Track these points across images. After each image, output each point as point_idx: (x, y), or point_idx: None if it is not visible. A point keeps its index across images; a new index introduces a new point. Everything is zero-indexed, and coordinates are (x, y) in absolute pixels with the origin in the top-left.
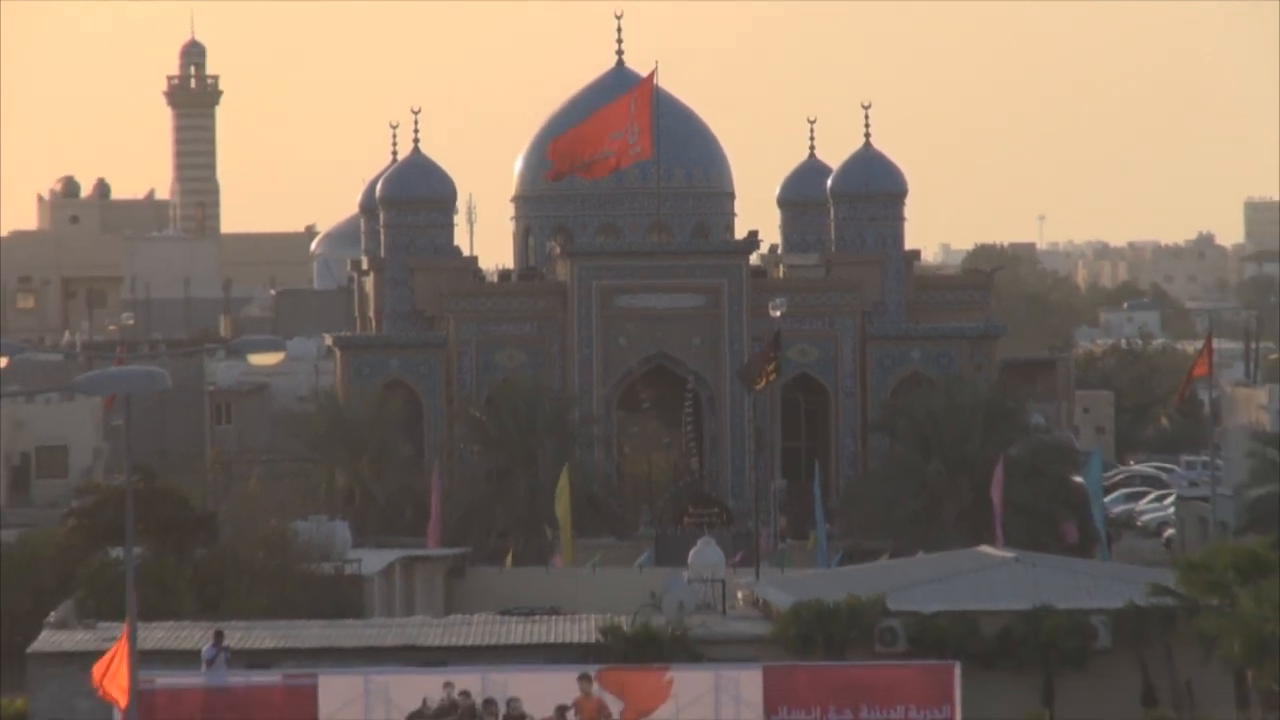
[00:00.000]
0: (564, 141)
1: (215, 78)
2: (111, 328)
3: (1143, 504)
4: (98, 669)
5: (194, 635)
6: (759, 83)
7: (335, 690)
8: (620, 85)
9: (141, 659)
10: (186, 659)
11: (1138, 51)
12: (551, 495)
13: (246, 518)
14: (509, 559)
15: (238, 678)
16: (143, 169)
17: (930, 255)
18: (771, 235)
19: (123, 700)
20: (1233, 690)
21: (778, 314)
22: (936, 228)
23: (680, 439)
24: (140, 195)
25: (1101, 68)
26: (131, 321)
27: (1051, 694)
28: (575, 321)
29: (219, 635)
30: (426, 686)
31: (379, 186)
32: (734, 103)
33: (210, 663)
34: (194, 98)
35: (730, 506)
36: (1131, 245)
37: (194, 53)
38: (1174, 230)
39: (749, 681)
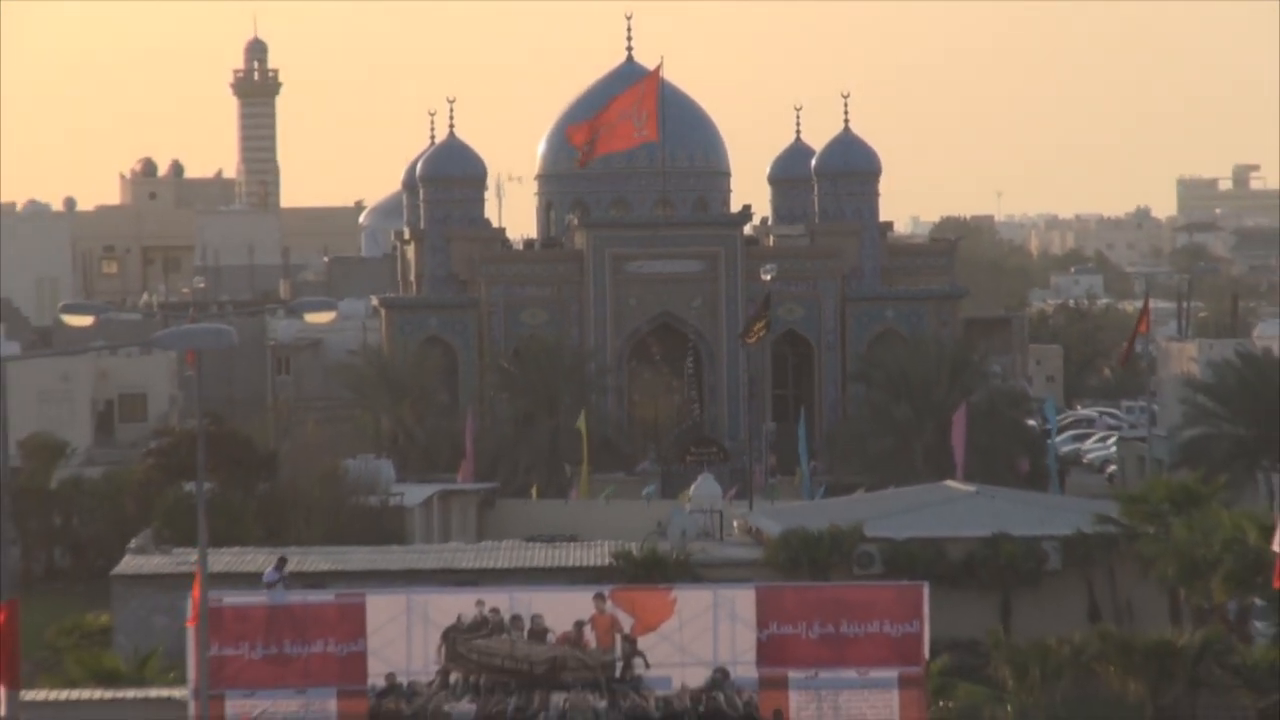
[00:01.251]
0: (582, 130)
1: (275, 71)
2: (185, 291)
3: (1088, 444)
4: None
5: (257, 560)
6: (752, 75)
7: (381, 607)
8: (630, 78)
9: (211, 581)
10: (251, 580)
11: (1083, 49)
12: (570, 437)
13: (303, 457)
14: (533, 492)
15: (295, 597)
16: (212, 151)
17: (901, 226)
18: (763, 209)
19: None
20: (1167, 607)
21: (768, 278)
22: (907, 202)
23: (683, 387)
24: (210, 174)
25: (1052, 64)
26: (202, 285)
27: (1008, 611)
28: (591, 285)
29: (282, 560)
30: (460, 604)
31: (419, 166)
32: (730, 93)
33: (272, 584)
34: (257, 89)
35: (727, 446)
36: (1078, 217)
37: (257, 49)
38: (1115, 204)
39: (743, 600)
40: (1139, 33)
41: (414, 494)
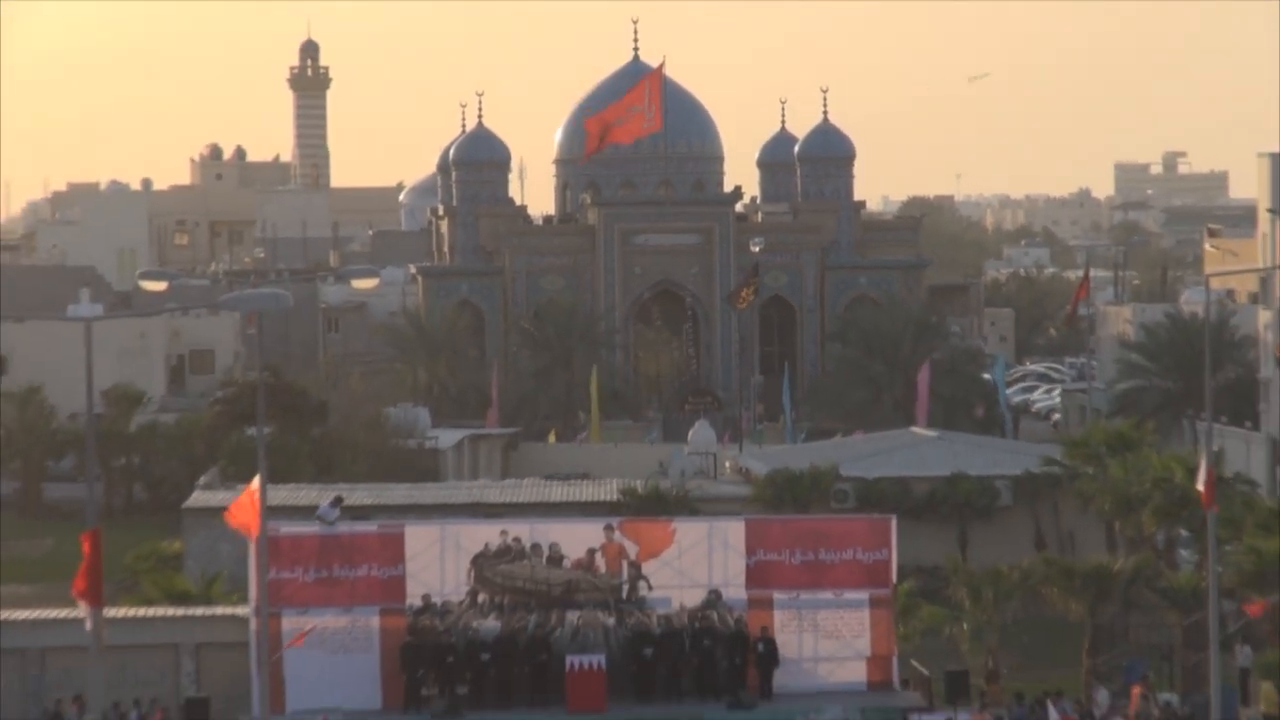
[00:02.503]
0: (595, 121)
1: (326, 68)
2: (247, 260)
3: (1036, 395)
4: (228, 514)
5: (310, 495)
6: (742, 72)
7: (418, 537)
8: (635, 74)
9: (269, 513)
10: (304, 513)
11: (1033, 50)
12: (584, 388)
13: (350, 405)
14: (551, 436)
15: (343, 527)
16: (271, 138)
17: (873, 204)
18: (752, 189)
19: (253, 528)
20: (1104, 537)
21: (756, 249)
22: (878, 183)
23: (681, 345)
24: (269, 158)
25: (1006, 61)
26: (262, 255)
27: (965, 541)
28: (601, 255)
29: (338, 499)
30: (487, 534)
31: (451, 151)
32: (723, 87)
33: (332, 521)
34: (310, 84)
35: (720, 397)
36: (1028, 197)
37: (310, 49)
38: (1060, 186)
39: (734, 530)
40: (1083, 35)
41: (447, 438)
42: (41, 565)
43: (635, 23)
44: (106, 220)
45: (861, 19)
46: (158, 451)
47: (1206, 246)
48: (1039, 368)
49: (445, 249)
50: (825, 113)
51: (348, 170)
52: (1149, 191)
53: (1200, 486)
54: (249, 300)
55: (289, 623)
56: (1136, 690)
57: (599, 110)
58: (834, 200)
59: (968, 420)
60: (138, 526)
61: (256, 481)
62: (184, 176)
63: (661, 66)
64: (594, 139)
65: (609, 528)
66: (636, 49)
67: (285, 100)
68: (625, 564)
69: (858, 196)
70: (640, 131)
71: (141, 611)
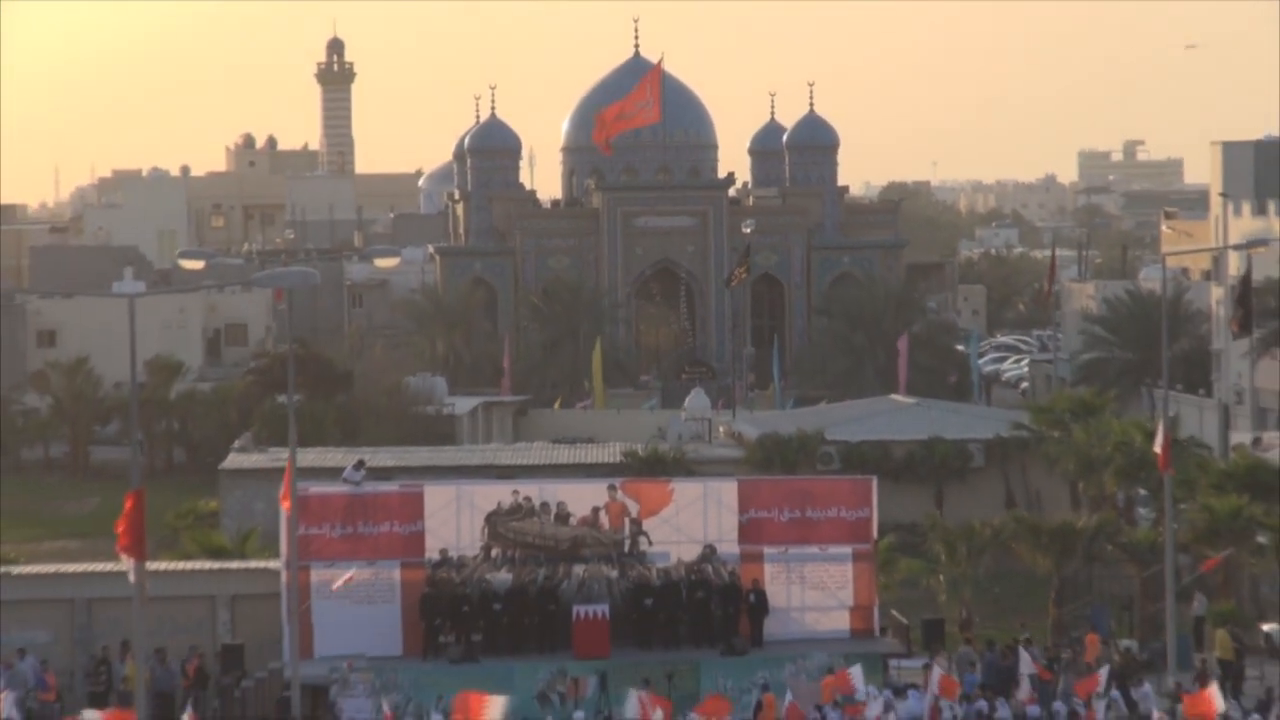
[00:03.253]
0: (606, 117)
1: (351, 63)
2: (278, 241)
3: (1006, 365)
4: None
5: (336, 457)
6: (735, 66)
7: (436, 496)
8: (636, 69)
9: (298, 474)
10: (331, 474)
11: (1004, 47)
12: (589, 359)
13: (373, 375)
14: (558, 403)
15: (367, 487)
16: (300, 128)
17: (855, 189)
18: (744, 175)
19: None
20: (1068, 496)
21: (748, 231)
22: (860, 169)
23: (678, 319)
24: (298, 147)
25: (978, 58)
26: (291, 236)
27: (941, 499)
28: (605, 236)
29: (360, 462)
30: (500, 493)
31: (467, 140)
32: (718, 81)
33: (357, 483)
34: (336, 78)
35: (714, 367)
36: (998, 182)
37: (336, 46)
38: (1029, 171)
39: (727, 490)
40: (1050, 32)
41: (462, 405)
42: (88, 522)
43: (636, 21)
44: (148, 204)
45: (846, 18)
46: (195, 417)
47: (1163, 228)
48: (1008, 340)
49: (461, 230)
50: (811, 104)
51: (371, 158)
52: (1110, 177)
53: (1157, 450)
54: (279, 278)
55: (316, 575)
56: (1093, 639)
57: (602, 102)
58: (819, 185)
59: (943, 388)
60: (177, 487)
61: None
62: (220, 163)
63: (660, 62)
64: (602, 134)
65: (612, 487)
66: (637, 45)
67: (313, 93)
68: (627, 521)
69: (841, 182)
70: (641, 122)
71: (181, 565)
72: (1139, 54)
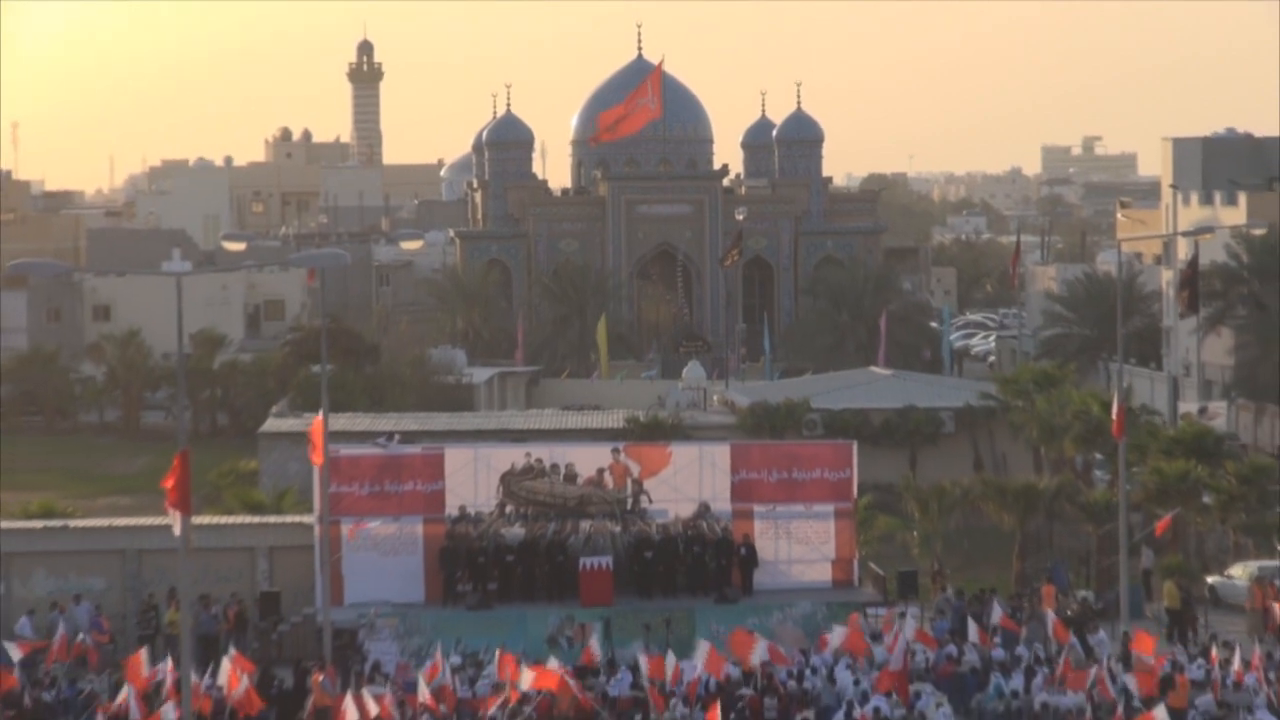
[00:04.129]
0: (607, 116)
1: (379, 64)
2: (312, 225)
3: (975, 340)
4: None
5: (364, 422)
6: (729, 67)
7: (456, 458)
8: (639, 69)
9: (330, 437)
10: (360, 438)
11: (974, 48)
12: (595, 333)
13: (398, 347)
14: (566, 374)
15: (393, 449)
16: (332, 122)
17: (839, 180)
18: (736, 167)
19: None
20: (1031, 460)
21: (740, 217)
22: (843, 162)
23: (676, 298)
24: (331, 139)
25: (951, 59)
26: (324, 220)
27: (915, 462)
28: (609, 222)
29: (393, 434)
30: (514, 455)
31: (484, 134)
32: (713, 81)
33: (382, 445)
34: (365, 76)
35: (709, 341)
36: (968, 174)
37: (365, 48)
38: (996, 164)
39: (720, 453)
40: (1016, 34)
41: (479, 375)
42: (139, 480)
43: (639, 26)
44: (194, 191)
45: (832, 23)
46: (236, 385)
47: (1119, 216)
48: (977, 317)
49: (479, 216)
50: (799, 102)
51: (397, 150)
52: (1070, 170)
53: (1113, 418)
54: (313, 259)
55: (346, 529)
56: (1049, 590)
57: (608, 99)
58: (806, 177)
59: (917, 361)
60: (220, 448)
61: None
62: (259, 154)
63: (661, 63)
64: (606, 130)
65: (615, 450)
66: (640, 48)
67: (345, 91)
68: (629, 481)
69: (825, 173)
70: (644, 120)
71: (223, 519)
72: (1098, 56)
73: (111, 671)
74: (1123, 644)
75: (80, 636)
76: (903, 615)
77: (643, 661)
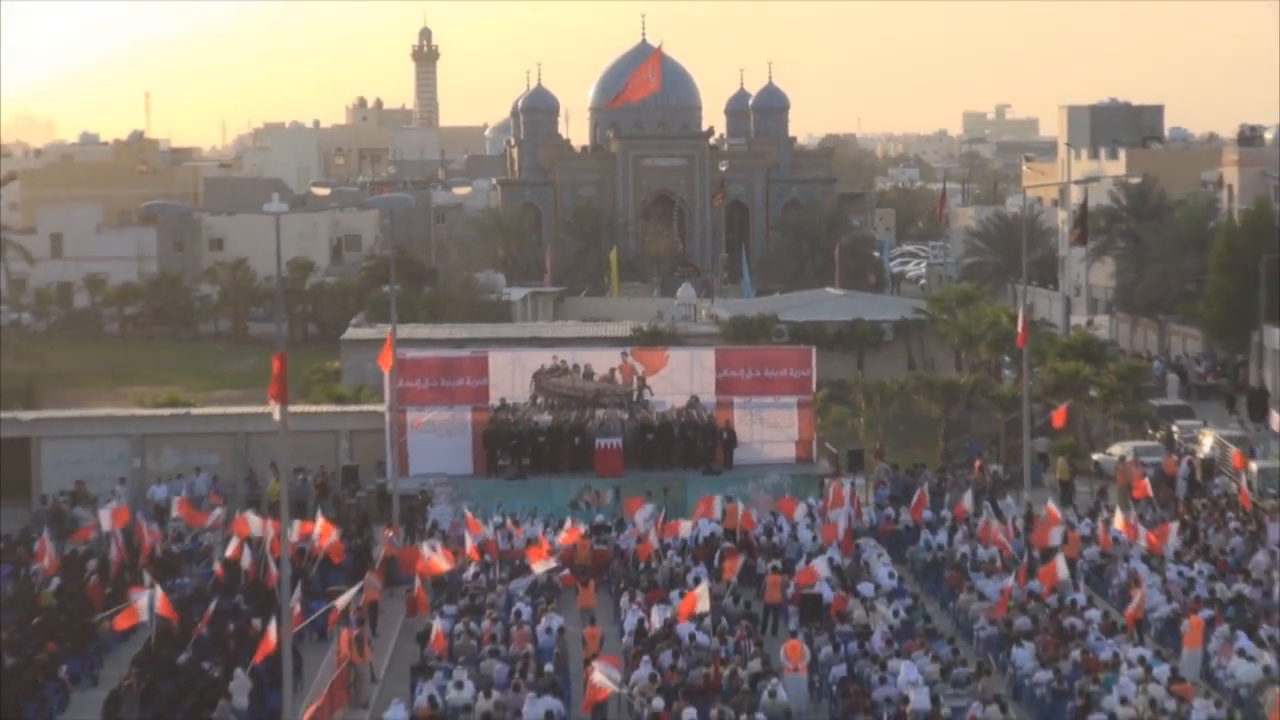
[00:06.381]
0: (626, 93)
1: (437, 45)
2: (383, 174)
3: (909, 267)
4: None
5: (424, 331)
6: (715, 49)
7: (498, 360)
8: (644, 53)
9: (397, 343)
10: (420, 345)
11: (909, 33)
12: (607, 262)
13: (451, 271)
14: (584, 293)
15: (446, 352)
16: (399, 92)
17: (802, 139)
18: (720, 129)
19: (387, 364)
20: (954, 361)
21: (723, 169)
22: (805, 124)
23: (672, 233)
24: (399, 106)
25: (892, 45)
26: (393, 171)
27: (861, 363)
28: (619, 172)
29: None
30: (543, 358)
31: (520, 102)
32: (702, 60)
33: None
34: (426, 57)
35: (698, 267)
36: (905, 134)
37: (425, 34)
38: (926, 126)
39: (707, 357)
40: (944, 23)
41: (516, 294)
42: (246, 377)
43: (644, 16)
44: (289, 147)
45: (797, 14)
46: (323, 302)
47: (1024, 168)
48: (911, 248)
49: (516, 168)
50: (770, 78)
51: (451, 114)
52: (986, 131)
53: (1019, 329)
54: (384, 201)
55: (411, 417)
56: (978, 463)
57: (620, 74)
58: (775, 137)
59: (864, 283)
60: (310, 352)
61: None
62: (341, 118)
63: (660, 47)
64: (617, 100)
65: (624, 354)
66: (644, 34)
67: (409, 68)
68: (635, 378)
69: (791, 134)
70: (646, 90)
71: (313, 408)
72: (1008, 39)
73: (224, 528)
74: (1027, 508)
75: (200, 500)
76: (854, 485)
77: (640, 518)
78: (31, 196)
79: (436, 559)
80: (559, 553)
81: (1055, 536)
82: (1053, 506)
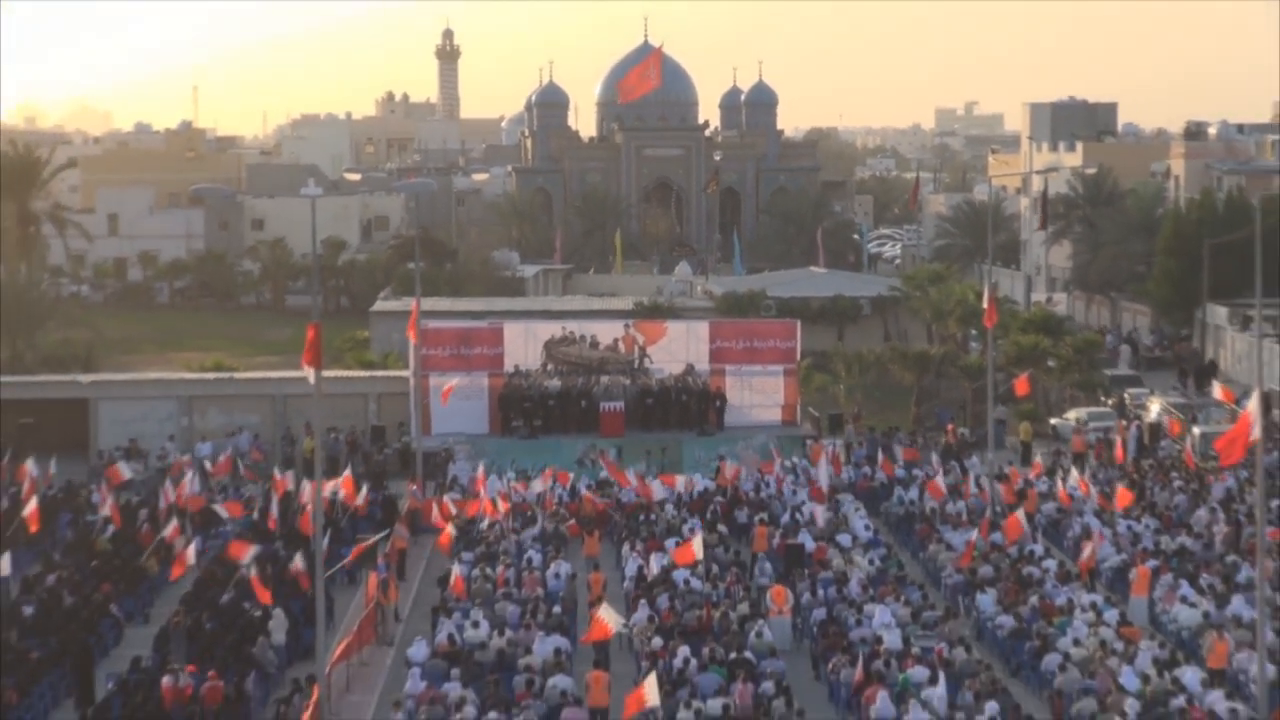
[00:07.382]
0: (625, 83)
1: (458, 45)
2: (409, 162)
3: (886, 248)
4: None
5: (444, 304)
6: (711, 49)
7: (512, 330)
8: (646, 51)
9: (421, 315)
10: (441, 316)
11: (886, 34)
12: (612, 242)
13: (470, 250)
14: (591, 270)
15: (465, 324)
16: (425, 87)
17: (789, 131)
18: (715, 122)
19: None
20: (925, 334)
21: (717, 159)
22: (792, 118)
23: (670, 216)
24: (424, 99)
25: (870, 46)
26: (418, 159)
27: (842, 335)
28: (623, 161)
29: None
30: (553, 329)
31: (533, 96)
32: (699, 59)
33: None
34: (449, 55)
35: (694, 247)
36: (882, 128)
37: (448, 34)
38: (902, 121)
39: (702, 328)
40: (917, 26)
41: (528, 270)
42: (283, 345)
43: (646, 19)
44: (324, 136)
45: (786, 16)
46: (354, 277)
47: (990, 160)
48: (888, 231)
49: (529, 156)
50: (760, 75)
51: (471, 107)
52: (955, 125)
53: (984, 305)
54: (410, 186)
55: (434, 381)
56: (950, 426)
57: (622, 72)
58: (765, 129)
59: (844, 263)
60: (342, 322)
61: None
62: (371, 110)
63: (661, 46)
64: (626, 94)
65: (627, 325)
66: (646, 35)
67: (433, 65)
68: (636, 348)
69: (779, 127)
70: (648, 87)
71: (344, 373)
72: (977, 41)
73: (264, 482)
74: (991, 467)
75: (242, 456)
76: (831, 446)
77: (630, 476)
78: (90, 180)
79: (455, 510)
80: (565, 504)
81: (1016, 493)
82: (1014, 467)
